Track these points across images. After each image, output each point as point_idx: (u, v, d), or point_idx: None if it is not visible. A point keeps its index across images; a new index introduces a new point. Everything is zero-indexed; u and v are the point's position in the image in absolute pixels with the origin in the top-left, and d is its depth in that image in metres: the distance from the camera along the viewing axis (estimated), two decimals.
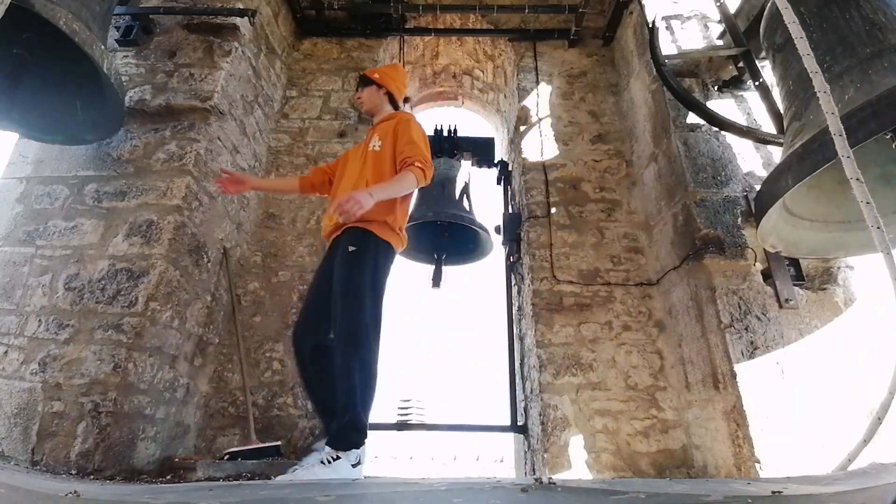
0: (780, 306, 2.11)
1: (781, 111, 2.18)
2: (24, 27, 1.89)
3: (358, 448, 1.59)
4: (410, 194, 1.94)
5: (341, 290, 1.71)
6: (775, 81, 2.21)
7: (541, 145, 3.24)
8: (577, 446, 2.34)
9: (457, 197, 3.36)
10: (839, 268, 2.24)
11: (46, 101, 2.17)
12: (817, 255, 2.14)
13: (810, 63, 1.40)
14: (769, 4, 2.07)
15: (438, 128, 3.80)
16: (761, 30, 2.18)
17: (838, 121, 1.33)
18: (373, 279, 1.74)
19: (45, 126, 2.23)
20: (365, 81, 2.13)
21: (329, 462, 1.51)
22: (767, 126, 2.46)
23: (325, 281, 1.81)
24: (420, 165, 1.81)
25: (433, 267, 3.36)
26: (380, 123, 2.05)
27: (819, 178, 1.82)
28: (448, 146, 3.72)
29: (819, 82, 1.37)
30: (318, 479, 1.46)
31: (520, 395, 2.99)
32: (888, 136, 1.47)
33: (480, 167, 3.86)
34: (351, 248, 1.76)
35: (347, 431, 1.57)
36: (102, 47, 2.01)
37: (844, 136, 1.31)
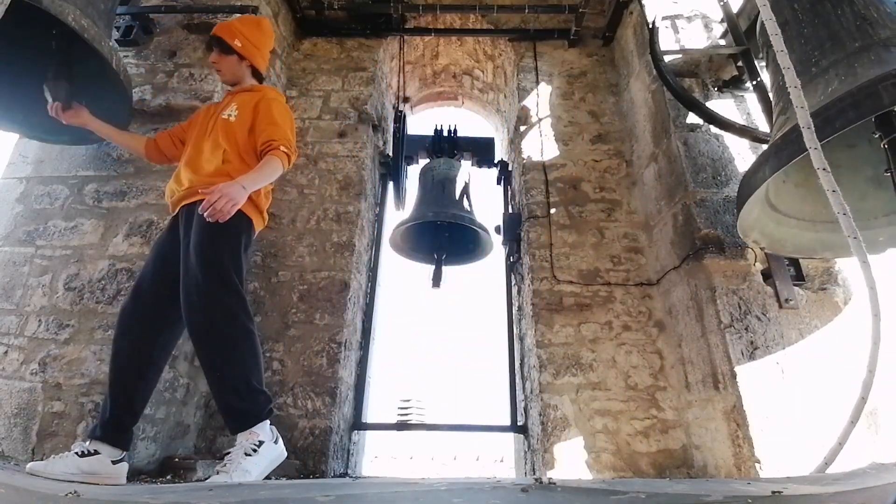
0: (780, 306, 2.11)
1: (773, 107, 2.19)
2: (50, 24, 1.87)
3: (266, 416, 1.55)
4: None
5: (205, 261, 1.58)
6: (769, 79, 2.22)
7: (541, 145, 3.24)
8: (577, 446, 2.34)
9: (457, 197, 3.36)
10: (839, 268, 2.24)
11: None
12: (803, 255, 2.14)
13: (783, 59, 1.42)
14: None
15: (438, 128, 3.81)
16: (757, 28, 2.19)
17: (807, 114, 1.36)
18: (239, 255, 1.66)
19: (48, 126, 2.22)
20: (224, 48, 1.87)
21: (255, 450, 1.47)
22: (766, 126, 2.46)
23: (170, 256, 1.67)
24: (285, 150, 1.72)
25: (433, 267, 3.37)
26: (240, 93, 1.91)
27: (807, 178, 1.82)
28: (448, 146, 3.73)
29: (791, 77, 1.39)
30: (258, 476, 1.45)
31: (520, 395, 2.99)
32: (877, 136, 1.47)
33: (480, 167, 3.88)
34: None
35: (251, 404, 1.54)
36: (111, 44, 2.00)
37: (812, 128, 1.34)
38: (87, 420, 1.83)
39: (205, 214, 1.50)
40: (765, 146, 2.46)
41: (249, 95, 1.88)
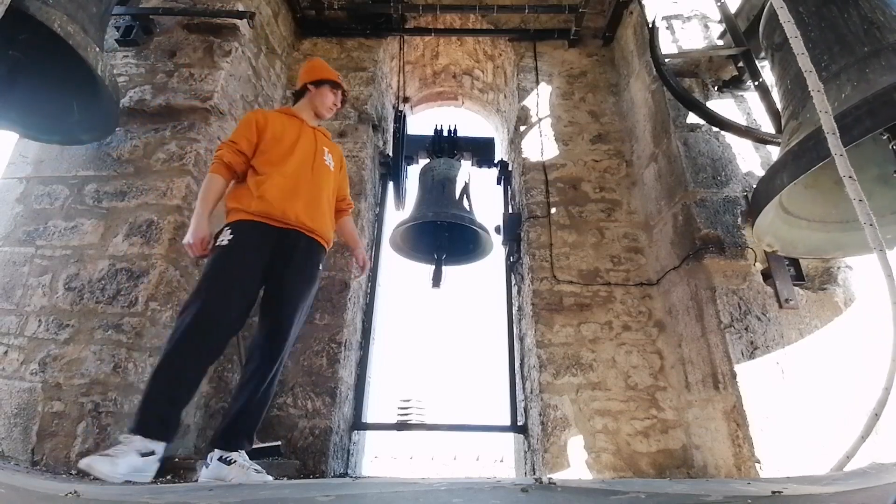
0: (780, 306, 2.11)
1: (780, 110, 2.18)
2: (21, 28, 1.89)
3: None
4: None
5: (301, 303, 1.82)
6: (774, 81, 2.22)
7: (541, 145, 3.24)
8: (577, 446, 2.34)
9: (457, 197, 3.36)
10: (839, 268, 2.24)
11: (45, 100, 2.17)
12: (815, 255, 2.14)
13: (804, 62, 1.40)
14: (768, 4, 2.07)
15: (438, 128, 3.81)
16: (760, 29, 2.19)
17: (832, 119, 1.34)
18: None
19: (42, 125, 2.23)
20: (343, 98, 2.30)
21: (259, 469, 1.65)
22: (767, 126, 2.46)
23: (258, 271, 1.78)
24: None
25: (433, 267, 3.36)
26: (322, 136, 2.12)
27: (816, 178, 1.82)
28: (448, 146, 3.73)
29: (813, 81, 1.38)
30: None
31: (520, 395, 2.99)
32: (885, 137, 1.47)
33: (480, 167, 3.88)
34: (321, 267, 1.92)
35: (250, 432, 1.74)
36: (97, 49, 2.00)
37: (838, 134, 1.32)
38: (87, 420, 1.83)
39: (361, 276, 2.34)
40: (767, 146, 2.47)
41: (332, 146, 2.16)
